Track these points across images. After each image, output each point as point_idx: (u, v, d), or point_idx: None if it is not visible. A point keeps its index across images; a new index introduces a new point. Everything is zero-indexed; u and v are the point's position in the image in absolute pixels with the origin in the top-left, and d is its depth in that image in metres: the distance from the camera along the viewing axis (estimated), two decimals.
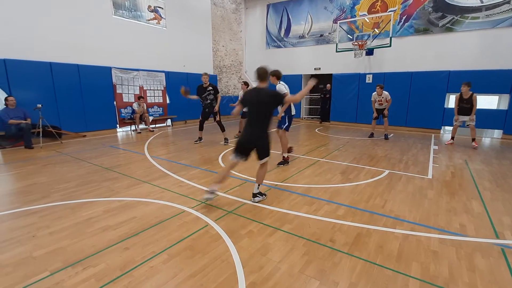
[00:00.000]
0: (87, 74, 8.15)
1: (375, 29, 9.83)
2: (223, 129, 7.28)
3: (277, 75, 4.81)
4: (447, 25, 8.67)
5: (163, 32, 10.65)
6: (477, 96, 9.32)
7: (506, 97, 8.18)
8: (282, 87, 4.79)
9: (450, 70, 8.53)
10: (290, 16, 12.09)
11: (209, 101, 7.06)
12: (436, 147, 6.82)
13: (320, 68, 11.56)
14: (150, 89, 10.29)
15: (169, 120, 11.23)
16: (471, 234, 2.66)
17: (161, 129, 9.89)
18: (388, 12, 9.42)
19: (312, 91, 12.94)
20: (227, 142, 7.16)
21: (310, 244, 2.45)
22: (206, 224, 2.80)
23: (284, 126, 5.08)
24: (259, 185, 3.39)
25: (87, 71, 8.13)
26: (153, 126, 10.16)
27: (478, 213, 3.15)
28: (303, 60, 12.07)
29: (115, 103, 9.02)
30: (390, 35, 8.76)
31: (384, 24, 9.67)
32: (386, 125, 7.93)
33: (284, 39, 12.44)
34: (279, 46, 12.71)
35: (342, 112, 11.02)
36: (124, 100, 9.31)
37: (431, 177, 4.42)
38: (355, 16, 10.29)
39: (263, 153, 3.27)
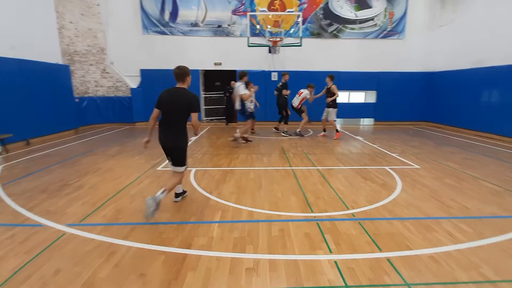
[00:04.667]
0: None
1: (275, 27, 10.31)
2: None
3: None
4: (334, 32, 10.54)
5: None
6: (353, 93, 12.08)
7: (372, 93, 11.20)
8: None
9: (339, 71, 10.50)
10: None
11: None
12: (361, 138, 8.22)
13: (221, 63, 10.71)
14: None
15: None
16: None
17: None
18: (287, 12, 10.14)
19: (214, 89, 11.91)
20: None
21: None
22: None
23: None
24: None
25: None
26: None
27: None
28: (199, 53, 10.66)
29: None
30: (300, 35, 9.48)
31: (284, 23, 10.35)
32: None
33: (170, 24, 10.41)
34: (163, 33, 10.49)
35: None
36: None
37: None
38: (254, 10, 10.27)
39: None
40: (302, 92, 8.17)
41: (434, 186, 4.15)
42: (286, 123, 8.59)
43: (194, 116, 3.19)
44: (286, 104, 8.41)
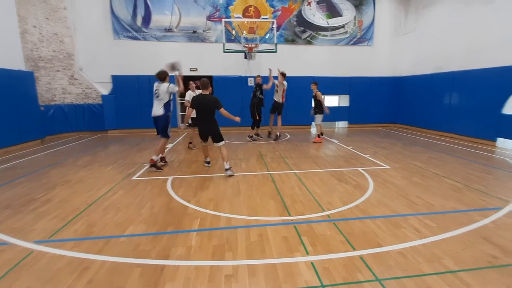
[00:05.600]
0: None
1: (250, 33, 10.46)
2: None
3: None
4: (307, 38, 10.90)
5: None
6: (327, 97, 12.46)
7: (345, 97, 11.67)
8: None
9: (314, 76, 10.83)
10: (148, 2, 10.05)
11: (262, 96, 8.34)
12: (336, 140, 8.53)
13: (197, 69, 10.64)
14: None
15: None
16: None
17: None
18: (262, 19, 10.34)
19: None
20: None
21: None
22: None
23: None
24: None
25: None
26: None
27: None
28: (174, 59, 10.47)
29: None
30: (275, 41, 9.69)
31: (259, 30, 10.54)
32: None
33: (143, 30, 10.21)
34: (136, 38, 10.25)
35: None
36: None
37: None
38: (230, 16, 10.36)
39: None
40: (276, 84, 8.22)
41: (402, 184, 4.43)
42: (258, 127, 8.61)
43: (221, 110, 4.88)
44: (256, 109, 8.31)
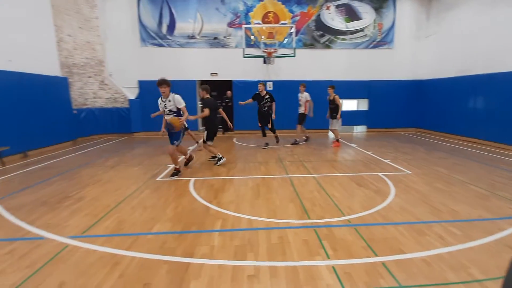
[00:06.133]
0: None
1: (269, 38, 10.54)
2: (274, 132, 7.99)
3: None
4: (326, 42, 10.82)
5: None
6: (346, 101, 12.28)
7: (364, 101, 11.43)
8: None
9: (332, 80, 10.70)
10: (173, 11, 10.40)
11: (266, 108, 7.55)
12: (355, 145, 8.37)
13: (217, 74, 10.85)
14: None
15: None
16: None
17: None
18: (281, 24, 10.39)
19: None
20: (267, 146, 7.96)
21: None
22: None
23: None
24: None
25: None
26: None
27: None
28: (195, 64, 10.80)
29: None
30: (294, 46, 9.71)
31: (278, 35, 10.59)
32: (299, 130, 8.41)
33: (168, 37, 10.56)
34: (161, 45, 10.63)
35: (246, 120, 10.94)
36: None
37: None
38: (249, 22, 10.50)
39: None
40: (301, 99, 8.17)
41: (425, 191, 4.27)
42: (273, 132, 8.18)
43: (220, 110, 6.39)
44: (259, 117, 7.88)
